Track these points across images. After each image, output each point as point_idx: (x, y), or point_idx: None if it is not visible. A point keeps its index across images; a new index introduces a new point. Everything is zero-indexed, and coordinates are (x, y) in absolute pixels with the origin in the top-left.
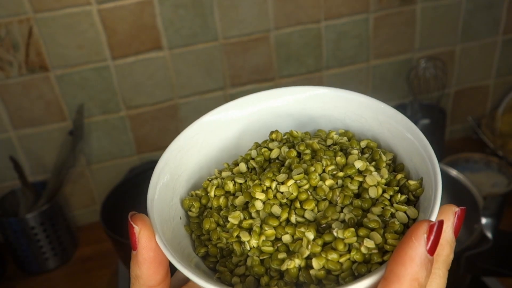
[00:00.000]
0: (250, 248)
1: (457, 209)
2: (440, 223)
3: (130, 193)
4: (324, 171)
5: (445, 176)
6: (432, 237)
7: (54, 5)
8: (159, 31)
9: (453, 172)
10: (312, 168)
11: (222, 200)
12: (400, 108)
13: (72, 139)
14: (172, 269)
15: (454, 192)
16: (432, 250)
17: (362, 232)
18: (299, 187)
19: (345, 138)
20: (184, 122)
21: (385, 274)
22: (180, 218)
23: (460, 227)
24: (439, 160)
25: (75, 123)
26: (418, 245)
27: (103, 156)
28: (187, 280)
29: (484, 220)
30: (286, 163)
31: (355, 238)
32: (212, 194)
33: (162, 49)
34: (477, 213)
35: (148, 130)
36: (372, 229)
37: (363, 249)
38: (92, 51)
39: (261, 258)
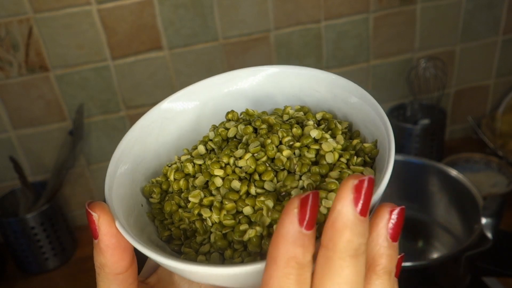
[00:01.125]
0: (212, 224)
1: (356, 181)
2: (314, 195)
3: None
4: (281, 143)
5: (445, 176)
6: (307, 211)
7: (54, 5)
8: (159, 31)
9: (453, 172)
10: (269, 141)
11: (182, 182)
12: (400, 108)
13: (72, 139)
14: (142, 260)
15: (454, 192)
16: (309, 225)
17: (321, 194)
18: (257, 160)
19: (301, 113)
20: None
21: (266, 259)
22: (142, 206)
23: (369, 203)
24: (439, 160)
25: (75, 123)
26: (288, 222)
27: (103, 156)
28: (156, 267)
29: (484, 220)
30: (244, 139)
31: None
32: (172, 177)
33: (162, 49)
34: (477, 213)
35: None
36: (330, 191)
37: (322, 209)
38: (92, 51)
39: (223, 232)
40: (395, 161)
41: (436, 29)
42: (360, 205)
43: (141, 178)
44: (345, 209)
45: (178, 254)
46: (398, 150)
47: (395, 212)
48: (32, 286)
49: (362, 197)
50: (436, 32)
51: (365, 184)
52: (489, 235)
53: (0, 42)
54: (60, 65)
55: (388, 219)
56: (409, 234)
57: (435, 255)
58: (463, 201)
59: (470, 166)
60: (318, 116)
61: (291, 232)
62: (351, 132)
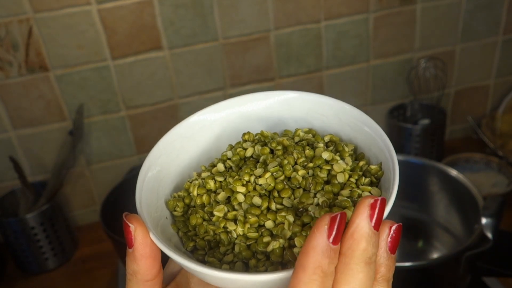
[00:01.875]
0: (237, 236)
1: (372, 200)
2: (342, 215)
3: (130, 193)
4: (296, 163)
5: (445, 176)
6: (335, 228)
7: (54, 5)
8: (159, 31)
9: (453, 172)
10: (286, 161)
11: (205, 197)
12: (400, 108)
13: (72, 139)
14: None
15: (454, 192)
16: (335, 240)
17: (336, 210)
18: (275, 178)
19: (310, 135)
20: None
21: (295, 266)
22: (166, 218)
23: (381, 218)
24: (439, 160)
25: (75, 123)
26: (319, 236)
27: (103, 156)
28: (175, 275)
29: (484, 220)
30: (261, 159)
31: None
32: (195, 193)
33: (162, 49)
34: (477, 213)
35: (148, 130)
36: (344, 208)
37: None
38: (92, 51)
39: (247, 243)
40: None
41: (436, 29)
42: (374, 220)
43: (165, 192)
44: (362, 223)
45: (202, 263)
46: (398, 150)
47: (393, 228)
48: (32, 286)
49: (376, 213)
50: (436, 32)
51: (379, 203)
52: (489, 235)
53: (0, 42)
54: (60, 65)
55: (388, 234)
56: (409, 234)
57: (435, 255)
58: (463, 201)
59: (470, 166)
60: (326, 138)
61: (321, 245)
62: (356, 154)
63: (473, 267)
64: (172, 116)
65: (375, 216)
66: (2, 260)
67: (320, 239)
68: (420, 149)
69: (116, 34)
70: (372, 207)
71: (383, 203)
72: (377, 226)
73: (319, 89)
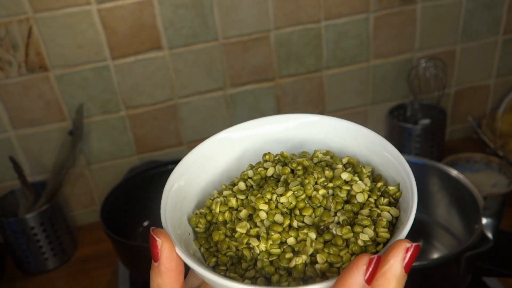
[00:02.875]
0: (260, 252)
1: (408, 245)
2: (378, 258)
3: (130, 193)
4: (316, 183)
5: (446, 176)
6: (371, 269)
7: (53, 5)
8: (159, 31)
9: (454, 172)
10: (307, 181)
11: (227, 215)
12: (400, 108)
13: (72, 139)
14: None
15: (454, 192)
16: (369, 280)
17: (356, 229)
18: (297, 197)
19: (328, 157)
20: (184, 122)
21: None
22: (189, 234)
23: (412, 262)
24: (439, 160)
25: (75, 123)
26: (357, 274)
27: (102, 156)
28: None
29: (484, 220)
30: (282, 178)
31: (351, 234)
32: (217, 210)
33: (162, 49)
34: (478, 213)
35: (147, 130)
36: (365, 226)
37: (359, 242)
38: (91, 51)
39: (270, 259)
40: None
41: (436, 29)
42: (405, 262)
43: (188, 210)
44: (396, 264)
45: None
46: (398, 150)
47: (411, 249)
48: (32, 286)
49: (408, 257)
50: (436, 32)
51: (413, 248)
52: (490, 235)
53: None
54: (60, 65)
55: (402, 257)
56: (409, 234)
57: (435, 255)
58: (464, 201)
59: (470, 166)
60: (344, 160)
61: (358, 283)
62: (373, 176)
63: (473, 267)
64: (172, 116)
65: (407, 259)
66: (2, 260)
67: (358, 278)
68: (420, 149)
69: (116, 34)
70: (407, 250)
71: (417, 249)
72: (407, 269)
73: (319, 89)
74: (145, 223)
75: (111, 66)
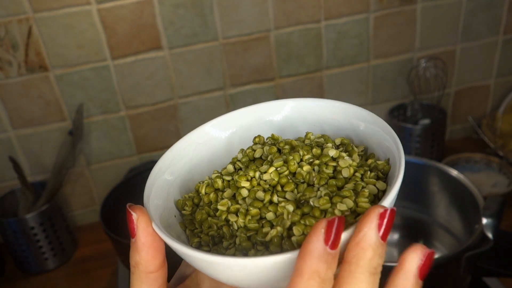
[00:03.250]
0: (238, 228)
1: (381, 210)
2: (340, 219)
3: (130, 193)
4: (302, 160)
5: (446, 176)
6: (333, 232)
7: (53, 5)
8: (158, 31)
9: (454, 172)
10: (291, 157)
11: (212, 195)
12: (401, 108)
13: (72, 139)
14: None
15: (454, 192)
16: (333, 244)
17: (335, 199)
18: (280, 173)
19: (322, 139)
20: (183, 122)
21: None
22: (175, 216)
23: (389, 229)
24: (439, 160)
25: (75, 123)
26: (315, 240)
27: (102, 156)
28: (185, 279)
29: (484, 220)
30: (269, 158)
31: (329, 205)
32: (203, 191)
33: (162, 49)
34: (478, 213)
35: (147, 130)
36: (344, 197)
37: (336, 212)
38: (91, 51)
39: (248, 235)
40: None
41: (436, 29)
42: (382, 230)
43: (175, 194)
44: (370, 232)
45: None
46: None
47: (387, 214)
48: (32, 286)
49: (385, 224)
50: (437, 32)
51: (388, 213)
52: (490, 235)
53: None
54: (60, 65)
55: (376, 224)
56: (409, 234)
57: (435, 255)
58: (464, 201)
59: (470, 166)
60: (337, 141)
61: (318, 249)
62: (367, 155)
63: (473, 267)
64: (172, 116)
65: (383, 226)
66: (2, 260)
67: (317, 243)
68: (421, 149)
69: (116, 34)
70: (381, 217)
71: (393, 214)
72: (384, 237)
73: (319, 89)
74: None
75: (111, 66)
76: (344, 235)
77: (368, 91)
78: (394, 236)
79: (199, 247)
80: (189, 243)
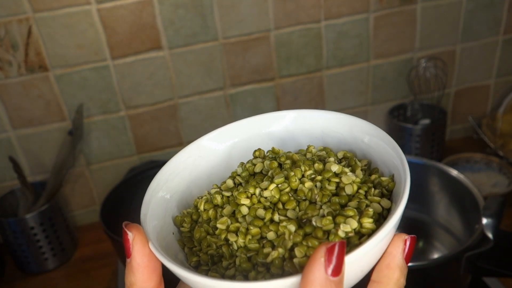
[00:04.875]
0: (238, 248)
1: (406, 236)
2: (341, 244)
3: (130, 193)
4: (303, 176)
5: (446, 176)
6: (333, 259)
7: (53, 5)
8: (158, 31)
9: (454, 172)
10: (292, 173)
11: (211, 212)
12: (401, 108)
13: (72, 139)
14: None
15: (454, 192)
16: (335, 272)
17: (339, 219)
18: (281, 190)
19: (324, 152)
20: (183, 122)
21: None
22: (173, 234)
23: (412, 253)
24: (440, 160)
25: (75, 123)
26: (316, 270)
27: (102, 156)
28: None
29: (484, 220)
30: (269, 173)
31: (332, 225)
32: (202, 208)
33: (162, 49)
34: (478, 213)
35: (147, 130)
36: (348, 217)
37: (340, 233)
38: (91, 51)
39: (248, 255)
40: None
41: (436, 29)
42: (405, 253)
43: (173, 209)
44: (398, 255)
45: None
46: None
47: (408, 240)
48: (32, 286)
49: (407, 248)
50: (437, 32)
51: (410, 239)
52: (490, 235)
53: None
54: (60, 65)
55: (403, 248)
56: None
57: (435, 255)
58: (464, 201)
59: (470, 166)
60: (340, 155)
61: (318, 279)
62: (370, 170)
63: (473, 267)
64: (172, 116)
65: (407, 250)
66: (2, 260)
67: (317, 272)
68: (421, 149)
69: (116, 34)
70: (406, 242)
71: (414, 240)
72: (408, 259)
73: (319, 89)
74: None
75: (111, 66)
76: (350, 258)
77: (368, 91)
78: None
79: (197, 266)
80: (187, 261)
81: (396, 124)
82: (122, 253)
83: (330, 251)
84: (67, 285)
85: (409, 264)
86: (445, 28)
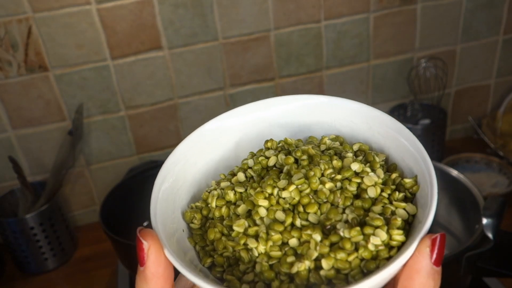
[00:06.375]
0: (258, 254)
1: (433, 236)
2: (442, 236)
3: (130, 193)
4: (322, 175)
5: (446, 176)
6: (436, 249)
7: (53, 5)
8: (158, 31)
9: (454, 172)
10: (312, 173)
11: (224, 210)
12: (401, 108)
13: (72, 139)
14: None
15: (454, 192)
16: (437, 261)
17: (367, 230)
18: (301, 191)
19: (337, 143)
20: (184, 122)
21: None
22: (183, 231)
23: (442, 254)
24: (440, 160)
25: (75, 123)
26: (422, 259)
27: (102, 156)
28: None
29: (484, 221)
30: (285, 169)
31: (361, 237)
32: (213, 204)
33: (162, 49)
34: (478, 213)
35: (147, 130)
36: (376, 227)
37: (370, 247)
38: (91, 51)
39: (270, 263)
40: None
41: (436, 29)
42: (434, 257)
43: (182, 203)
44: (425, 261)
45: (220, 281)
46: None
47: (438, 238)
48: (32, 286)
49: (436, 249)
50: (437, 31)
51: (439, 239)
52: (490, 235)
53: None
54: (60, 65)
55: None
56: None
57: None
58: (464, 201)
59: (470, 166)
60: (355, 147)
61: (425, 267)
62: (387, 165)
63: (473, 267)
64: (171, 116)
65: (435, 253)
66: (2, 260)
67: (424, 262)
68: None
69: (116, 34)
70: (433, 243)
71: (443, 239)
72: (438, 263)
73: (319, 89)
74: (145, 223)
75: (111, 66)
76: (383, 275)
77: (368, 91)
78: None
79: (212, 267)
80: (199, 261)
81: None
82: (122, 253)
83: (433, 242)
84: (67, 285)
85: None
86: (445, 28)
